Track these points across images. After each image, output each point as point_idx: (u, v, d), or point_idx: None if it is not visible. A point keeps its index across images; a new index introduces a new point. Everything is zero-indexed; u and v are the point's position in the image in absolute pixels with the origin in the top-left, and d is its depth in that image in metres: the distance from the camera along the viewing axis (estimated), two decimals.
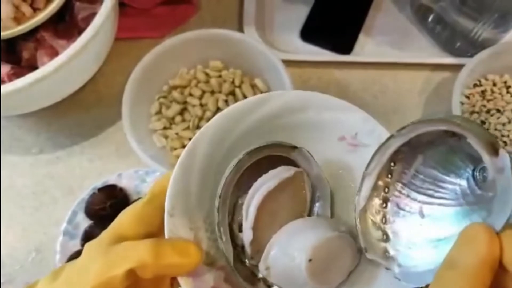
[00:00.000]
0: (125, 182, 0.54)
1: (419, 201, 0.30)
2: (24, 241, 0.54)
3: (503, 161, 0.24)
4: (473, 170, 0.27)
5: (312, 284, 0.29)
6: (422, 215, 0.29)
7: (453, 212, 0.28)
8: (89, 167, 0.58)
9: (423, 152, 0.30)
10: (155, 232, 0.29)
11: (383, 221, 0.30)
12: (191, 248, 0.27)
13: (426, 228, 0.29)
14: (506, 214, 0.23)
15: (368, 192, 0.30)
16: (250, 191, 0.30)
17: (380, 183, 0.30)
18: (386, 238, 0.30)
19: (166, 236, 0.28)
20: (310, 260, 0.28)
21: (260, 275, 0.31)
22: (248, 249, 0.30)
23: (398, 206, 0.30)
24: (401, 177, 0.30)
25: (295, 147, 0.31)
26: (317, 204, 0.33)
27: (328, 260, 0.29)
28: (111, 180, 0.53)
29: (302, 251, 0.28)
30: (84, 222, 0.52)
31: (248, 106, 0.32)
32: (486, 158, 0.25)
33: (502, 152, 0.24)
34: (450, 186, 0.29)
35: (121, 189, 0.53)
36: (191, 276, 0.28)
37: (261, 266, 0.30)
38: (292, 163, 0.32)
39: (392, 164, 0.30)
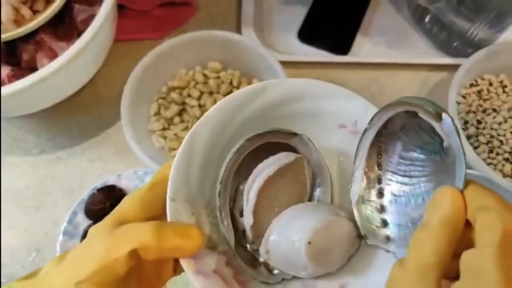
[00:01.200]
0: (125, 183, 0.54)
1: (409, 184, 0.31)
2: (25, 241, 0.54)
3: (447, 125, 0.26)
4: (441, 143, 0.29)
5: (312, 267, 0.29)
6: (413, 195, 0.31)
7: (435, 185, 0.30)
8: (89, 168, 0.58)
9: (400, 138, 0.31)
10: (157, 217, 0.29)
11: (382, 209, 0.32)
12: (192, 231, 0.28)
13: (417, 206, 0.30)
14: (462, 172, 0.25)
15: (359, 185, 0.32)
16: (251, 177, 0.31)
17: (372, 175, 0.32)
18: (385, 224, 0.31)
19: (168, 220, 0.28)
20: (309, 242, 0.29)
21: (261, 259, 0.31)
22: (249, 233, 0.31)
23: (392, 193, 0.31)
24: (388, 166, 0.32)
25: (295, 134, 0.32)
26: (317, 190, 0.34)
27: (327, 244, 0.30)
28: (111, 180, 0.54)
29: (302, 234, 0.29)
30: (84, 222, 0.52)
31: (247, 94, 0.32)
32: (436, 126, 0.26)
33: (444, 116, 0.26)
34: (429, 163, 0.30)
35: (120, 190, 0.54)
36: (193, 259, 0.28)
37: (262, 250, 0.30)
38: (293, 150, 0.32)
39: (378, 156, 0.32)
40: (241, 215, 0.31)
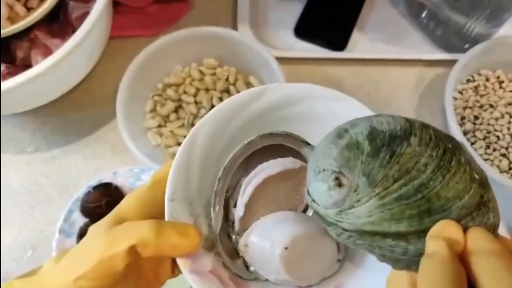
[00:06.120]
0: (121, 180, 0.54)
1: None
2: (21, 239, 0.54)
3: None
4: None
5: (283, 273, 0.29)
6: None
7: None
8: (84, 166, 0.58)
9: None
10: (156, 216, 0.29)
11: None
12: (190, 229, 0.28)
13: None
14: None
15: None
16: (253, 171, 0.31)
17: None
18: None
19: (166, 219, 0.29)
20: (286, 248, 0.29)
21: (241, 253, 0.31)
22: (237, 224, 0.31)
23: None
24: None
25: (307, 143, 0.32)
26: None
27: (304, 255, 0.30)
28: (107, 178, 0.54)
29: (282, 237, 0.29)
30: (80, 220, 0.52)
31: (246, 97, 0.32)
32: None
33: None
34: None
35: (116, 187, 0.53)
36: (189, 258, 0.28)
37: (241, 242, 0.30)
38: (302, 158, 0.32)
39: None
40: (235, 206, 0.31)
